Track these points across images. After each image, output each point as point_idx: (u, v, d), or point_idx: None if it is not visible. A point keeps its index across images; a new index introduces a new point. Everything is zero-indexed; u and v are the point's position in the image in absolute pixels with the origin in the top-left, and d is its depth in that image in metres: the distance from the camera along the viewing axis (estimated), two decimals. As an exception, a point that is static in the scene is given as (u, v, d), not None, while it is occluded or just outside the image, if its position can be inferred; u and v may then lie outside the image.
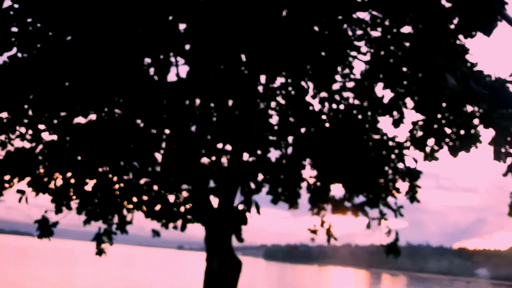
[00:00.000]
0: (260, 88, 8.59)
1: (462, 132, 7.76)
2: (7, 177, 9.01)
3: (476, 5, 5.36)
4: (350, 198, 9.59)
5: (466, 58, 6.74)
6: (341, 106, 9.20)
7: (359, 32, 6.95)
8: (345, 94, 9.07)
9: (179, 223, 10.66)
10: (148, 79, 8.92)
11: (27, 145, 9.01)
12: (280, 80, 8.75)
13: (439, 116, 7.82)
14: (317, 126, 8.86)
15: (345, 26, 6.65)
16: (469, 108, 7.22)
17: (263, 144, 8.95)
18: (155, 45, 8.10)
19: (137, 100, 9.00)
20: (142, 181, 10.09)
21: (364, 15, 7.24)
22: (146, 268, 63.53)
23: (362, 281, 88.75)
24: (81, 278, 37.41)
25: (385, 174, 9.31)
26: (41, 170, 9.22)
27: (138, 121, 9.32)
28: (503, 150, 5.81)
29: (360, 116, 9.16)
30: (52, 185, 9.34)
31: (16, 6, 6.21)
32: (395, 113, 8.35)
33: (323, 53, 6.88)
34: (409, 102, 8.17)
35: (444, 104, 7.61)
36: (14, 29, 6.39)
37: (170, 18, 7.21)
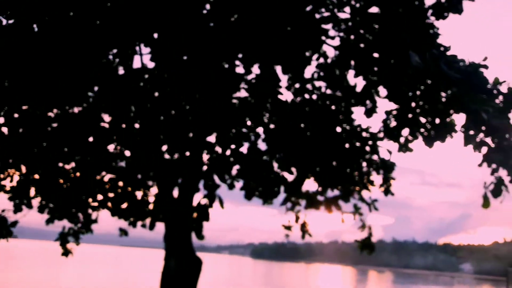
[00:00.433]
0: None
1: (437, 121, 7.45)
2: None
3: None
4: (323, 192, 9.19)
5: (438, 42, 6.45)
6: (314, 97, 8.84)
7: (326, 14, 6.54)
8: (317, 83, 8.69)
9: (147, 221, 10.21)
10: (112, 70, 8.53)
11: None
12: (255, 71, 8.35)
13: (413, 104, 7.49)
14: (288, 118, 8.47)
15: (310, 7, 6.23)
16: (443, 95, 6.89)
17: (236, 137, 8.56)
18: (121, 35, 7.73)
19: (103, 93, 8.62)
20: (107, 177, 9.61)
21: None
22: (105, 267, 60.98)
23: (349, 278, 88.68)
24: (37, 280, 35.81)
25: (360, 166, 8.95)
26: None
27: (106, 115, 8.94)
28: (472, 132, 5.49)
29: (333, 107, 8.80)
30: (6, 183, 8.80)
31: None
32: (367, 102, 7.98)
33: (290, 36, 6.45)
34: (382, 90, 7.84)
35: (418, 93, 7.29)
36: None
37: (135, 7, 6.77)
